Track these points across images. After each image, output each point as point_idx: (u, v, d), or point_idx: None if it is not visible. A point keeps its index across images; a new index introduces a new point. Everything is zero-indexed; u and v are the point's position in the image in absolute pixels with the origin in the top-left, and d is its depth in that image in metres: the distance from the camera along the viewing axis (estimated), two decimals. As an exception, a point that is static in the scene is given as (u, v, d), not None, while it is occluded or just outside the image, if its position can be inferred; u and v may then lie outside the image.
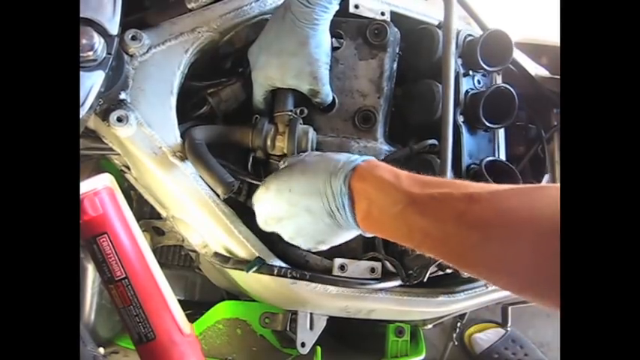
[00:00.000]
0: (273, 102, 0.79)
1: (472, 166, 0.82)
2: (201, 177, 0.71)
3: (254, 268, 0.70)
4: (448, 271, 0.75)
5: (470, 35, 0.85)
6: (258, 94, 0.78)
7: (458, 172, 0.80)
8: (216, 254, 0.76)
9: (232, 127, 0.77)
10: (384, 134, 0.82)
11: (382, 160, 0.67)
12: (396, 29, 0.84)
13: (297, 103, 0.78)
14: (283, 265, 0.73)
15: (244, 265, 0.71)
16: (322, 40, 0.73)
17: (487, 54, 0.81)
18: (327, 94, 0.77)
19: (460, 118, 0.82)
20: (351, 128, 0.81)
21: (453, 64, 0.76)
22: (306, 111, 0.78)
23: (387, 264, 0.76)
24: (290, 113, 0.77)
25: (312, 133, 0.76)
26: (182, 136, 0.72)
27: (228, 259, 0.74)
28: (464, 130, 0.81)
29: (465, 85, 0.84)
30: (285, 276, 0.70)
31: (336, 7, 0.73)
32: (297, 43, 0.72)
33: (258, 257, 0.71)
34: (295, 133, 0.74)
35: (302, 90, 0.76)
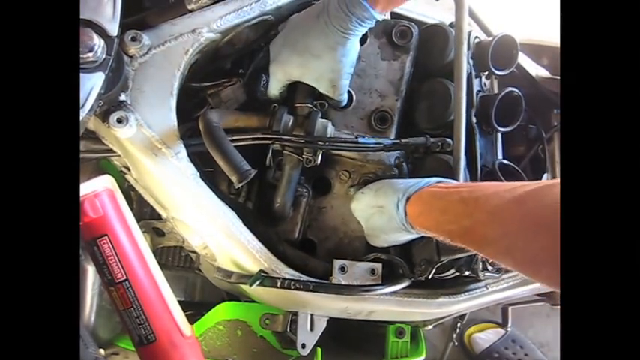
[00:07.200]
0: (288, 95, 0.79)
1: (482, 167, 0.81)
2: (196, 159, 0.70)
3: (257, 282, 0.69)
4: (466, 272, 0.74)
5: (477, 37, 0.85)
6: (275, 88, 0.78)
7: (474, 173, 0.79)
8: (219, 269, 0.76)
9: (249, 113, 0.76)
10: (396, 136, 0.81)
11: (397, 144, 0.75)
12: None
13: (316, 97, 0.78)
14: (285, 270, 0.72)
15: (247, 278, 0.70)
16: (351, 51, 0.72)
17: (495, 57, 0.81)
18: (342, 100, 0.77)
19: (474, 120, 0.81)
20: (365, 127, 0.81)
21: (466, 64, 0.76)
22: (326, 105, 0.78)
23: (389, 265, 0.76)
24: (310, 106, 0.77)
25: (330, 128, 0.76)
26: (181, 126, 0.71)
27: (231, 274, 0.74)
28: (477, 131, 0.81)
29: (475, 86, 0.84)
30: (288, 287, 0.70)
31: (372, 24, 0.71)
32: (325, 46, 0.70)
33: (261, 270, 0.71)
34: (315, 126, 0.74)
35: (318, 89, 0.76)
